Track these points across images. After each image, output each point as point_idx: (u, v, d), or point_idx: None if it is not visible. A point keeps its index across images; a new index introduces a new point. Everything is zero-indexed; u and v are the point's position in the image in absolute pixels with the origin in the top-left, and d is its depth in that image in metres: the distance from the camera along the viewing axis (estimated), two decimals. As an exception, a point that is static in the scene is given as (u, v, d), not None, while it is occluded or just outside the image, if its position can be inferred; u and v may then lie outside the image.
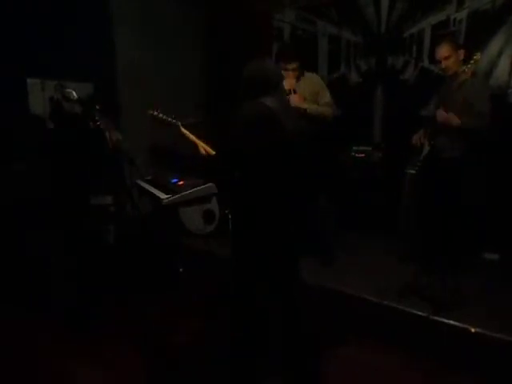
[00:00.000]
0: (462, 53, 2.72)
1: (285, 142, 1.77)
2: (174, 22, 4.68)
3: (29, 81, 3.57)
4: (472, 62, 2.54)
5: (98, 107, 2.21)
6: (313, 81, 3.17)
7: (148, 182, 2.91)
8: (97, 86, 3.93)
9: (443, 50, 2.73)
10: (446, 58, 2.72)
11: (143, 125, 4.36)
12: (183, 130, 2.10)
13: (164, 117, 2.15)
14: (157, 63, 4.54)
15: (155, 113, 2.17)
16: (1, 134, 3.32)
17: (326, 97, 3.15)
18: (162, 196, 2.51)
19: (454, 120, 2.62)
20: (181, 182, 2.71)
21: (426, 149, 2.87)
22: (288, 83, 2.91)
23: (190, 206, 3.71)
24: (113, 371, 2.26)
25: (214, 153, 2.03)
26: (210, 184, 2.56)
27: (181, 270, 3.03)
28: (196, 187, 2.54)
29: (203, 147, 2.11)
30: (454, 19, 3.44)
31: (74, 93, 2.14)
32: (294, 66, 2.98)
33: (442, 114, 2.66)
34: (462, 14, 3.39)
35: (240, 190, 1.85)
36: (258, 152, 1.75)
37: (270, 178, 1.77)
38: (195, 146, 2.19)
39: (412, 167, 2.90)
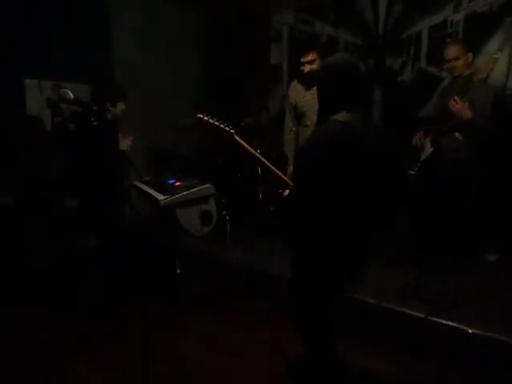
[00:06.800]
0: (470, 56, 2.71)
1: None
2: (173, 23, 4.68)
3: (26, 81, 3.57)
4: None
5: (94, 108, 2.21)
6: None
7: (146, 182, 2.90)
8: (94, 87, 3.92)
9: (453, 51, 2.70)
10: (455, 59, 2.69)
11: (141, 125, 4.38)
12: (237, 138, 1.79)
13: (216, 122, 1.79)
14: (155, 63, 4.54)
15: (205, 117, 1.80)
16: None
17: None
18: (160, 197, 2.49)
19: (467, 112, 2.54)
20: (178, 183, 2.70)
21: (429, 150, 2.84)
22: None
23: (188, 207, 3.71)
24: (113, 371, 2.25)
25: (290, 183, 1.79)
26: (207, 185, 2.55)
27: (178, 271, 3.02)
28: (193, 188, 2.53)
29: (280, 176, 1.81)
30: (452, 21, 3.45)
31: (71, 93, 2.13)
32: (311, 57, 2.68)
33: (457, 104, 2.57)
34: (460, 16, 3.40)
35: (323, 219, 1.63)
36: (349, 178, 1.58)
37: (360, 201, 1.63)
38: (263, 166, 1.86)
39: (412, 168, 2.88)
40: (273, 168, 1.85)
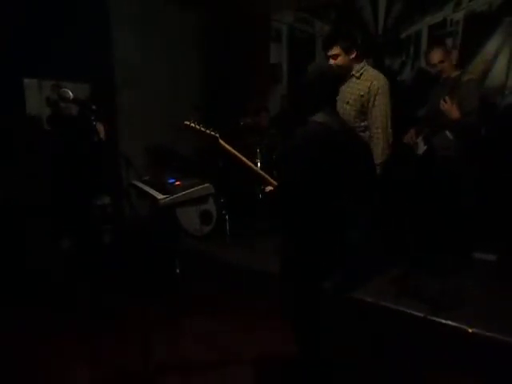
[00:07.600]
0: (454, 56, 2.79)
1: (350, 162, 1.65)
2: (173, 23, 4.68)
3: (26, 81, 3.57)
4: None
5: (94, 107, 2.21)
6: (365, 81, 2.50)
7: (145, 182, 2.90)
8: (94, 87, 3.93)
9: (437, 55, 2.83)
10: (440, 62, 2.82)
11: (141, 125, 4.39)
12: (222, 142, 1.91)
13: (202, 128, 1.93)
14: (155, 63, 4.54)
15: (192, 124, 1.93)
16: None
17: (378, 112, 2.44)
18: (159, 196, 2.49)
19: (455, 112, 2.67)
20: (178, 183, 2.70)
21: (422, 148, 2.91)
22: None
23: (187, 206, 3.71)
24: (113, 371, 2.25)
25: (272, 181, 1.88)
26: (206, 184, 2.55)
27: (178, 271, 3.02)
28: (193, 187, 2.53)
29: (262, 174, 1.92)
30: (451, 20, 3.45)
31: (70, 92, 2.12)
32: (334, 51, 2.42)
33: (446, 104, 2.69)
34: (459, 15, 3.40)
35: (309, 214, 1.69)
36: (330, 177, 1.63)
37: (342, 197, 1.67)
38: (248, 169, 1.96)
39: (405, 166, 2.93)
40: (259, 171, 1.97)
